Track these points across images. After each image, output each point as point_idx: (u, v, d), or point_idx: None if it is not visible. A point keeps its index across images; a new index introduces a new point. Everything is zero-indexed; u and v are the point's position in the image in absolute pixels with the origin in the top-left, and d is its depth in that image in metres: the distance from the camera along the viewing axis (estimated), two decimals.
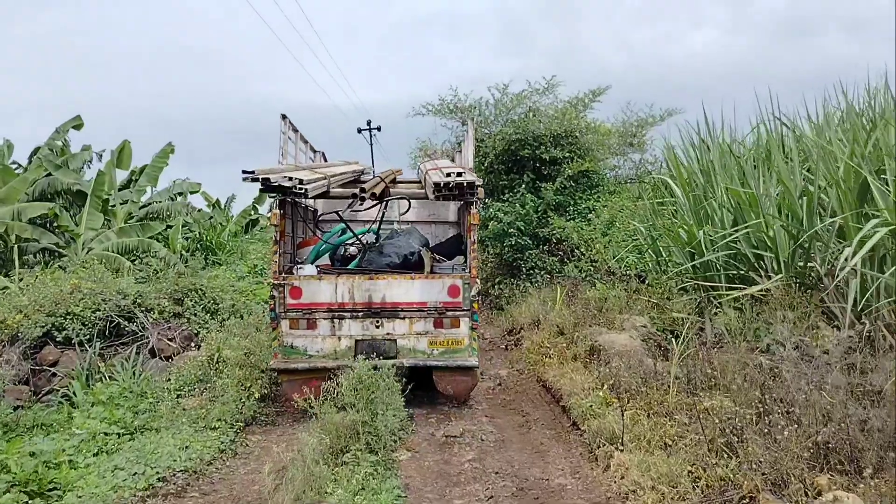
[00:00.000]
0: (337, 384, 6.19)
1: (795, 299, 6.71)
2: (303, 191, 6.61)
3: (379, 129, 34.57)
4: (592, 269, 12.08)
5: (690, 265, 8.85)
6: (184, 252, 18.02)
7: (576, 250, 12.98)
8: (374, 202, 7.84)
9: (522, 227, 13.29)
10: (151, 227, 13.96)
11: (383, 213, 8.90)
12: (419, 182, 9.45)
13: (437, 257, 8.38)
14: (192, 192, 16.90)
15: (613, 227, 13.05)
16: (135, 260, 13.49)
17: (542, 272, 13.18)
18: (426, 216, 10.13)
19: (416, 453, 6.09)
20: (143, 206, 14.96)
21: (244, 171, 6.65)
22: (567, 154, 13.94)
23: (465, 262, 7.76)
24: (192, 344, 9.60)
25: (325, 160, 11.23)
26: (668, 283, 9.62)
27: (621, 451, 5.25)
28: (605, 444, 5.52)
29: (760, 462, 4.29)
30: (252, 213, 27.46)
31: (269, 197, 7.23)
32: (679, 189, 10.05)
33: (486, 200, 14.20)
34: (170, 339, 9.77)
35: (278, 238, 7.34)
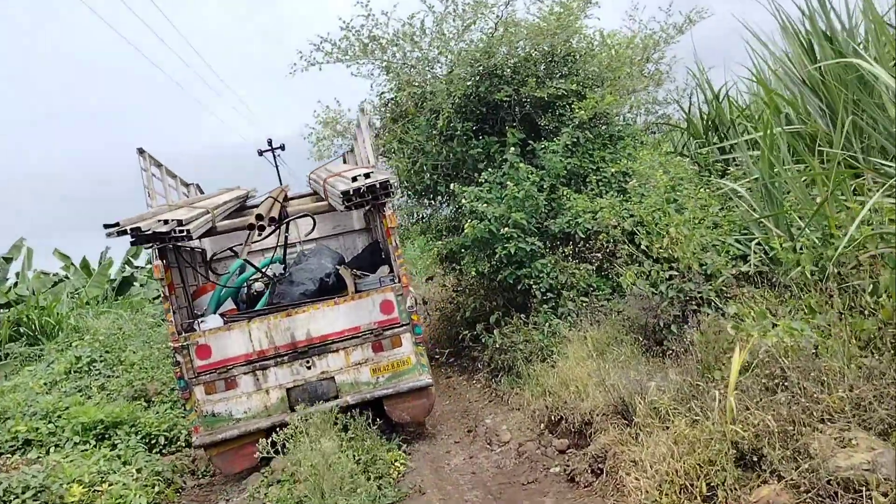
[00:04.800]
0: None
1: None
2: (184, 233, 5.57)
3: (283, 147, 28.14)
4: (677, 275, 6.38)
5: None
6: None
7: (625, 245, 7.29)
8: (273, 228, 6.58)
9: (524, 221, 7.50)
10: None
11: (285, 237, 7.73)
12: (314, 194, 8.32)
13: (358, 273, 7.17)
14: None
15: (680, 198, 7.43)
16: None
17: (574, 293, 7.40)
18: (330, 230, 9.12)
19: None
20: None
21: (106, 226, 5.51)
22: (573, 87, 8.20)
23: (391, 271, 6.83)
24: None
25: (201, 192, 9.71)
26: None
27: None
28: None
29: None
30: (124, 268, 20.69)
31: (145, 248, 5.79)
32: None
33: (451, 186, 8.34)
34: None
35: (167, 293, 6.15)
